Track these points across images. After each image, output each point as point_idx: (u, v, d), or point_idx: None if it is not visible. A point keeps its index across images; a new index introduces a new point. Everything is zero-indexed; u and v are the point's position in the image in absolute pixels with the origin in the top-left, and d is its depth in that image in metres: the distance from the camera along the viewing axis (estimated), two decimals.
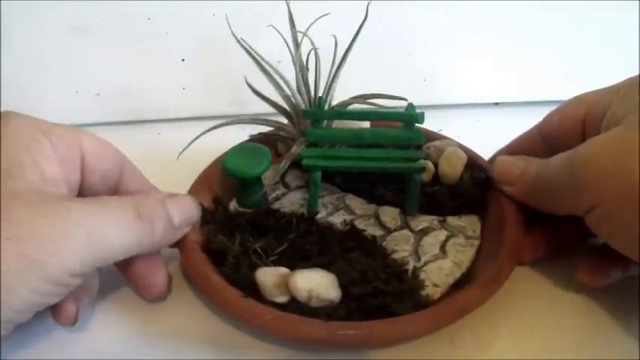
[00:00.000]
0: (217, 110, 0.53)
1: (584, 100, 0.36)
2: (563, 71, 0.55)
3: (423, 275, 0.35)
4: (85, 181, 0.33)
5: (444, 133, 0.44)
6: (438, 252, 0.37)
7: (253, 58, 0.39)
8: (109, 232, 0.30)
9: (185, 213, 0.34)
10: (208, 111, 0.54)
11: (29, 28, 0.50)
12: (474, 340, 0.34)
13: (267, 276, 0.32)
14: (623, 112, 0.32)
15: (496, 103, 0.57)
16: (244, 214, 0.39)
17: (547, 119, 0.39)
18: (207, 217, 0.37)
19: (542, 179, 0.34)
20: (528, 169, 0.35)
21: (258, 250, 0.34)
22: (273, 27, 0.38)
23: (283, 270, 0.33)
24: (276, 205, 0.40)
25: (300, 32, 0.38)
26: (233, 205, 0.40)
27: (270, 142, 0.41)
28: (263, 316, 0.30)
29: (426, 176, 0.40)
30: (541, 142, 0.39)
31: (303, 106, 0.40)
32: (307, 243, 0.36)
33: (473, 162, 0.41)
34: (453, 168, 0.40)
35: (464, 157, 0.40)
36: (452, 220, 0.39)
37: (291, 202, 0.40)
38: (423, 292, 0.34)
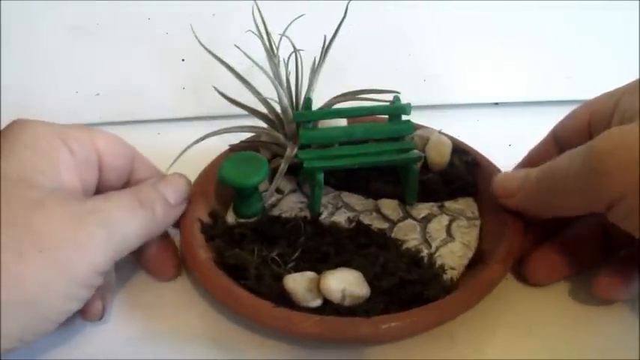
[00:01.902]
0: (217, 110, 0.52)
1: (591, 103, 0.36)
2: (563, 71, 0.55)
3: (439, 260, 0.36)
4: (102, 179, 0.35)
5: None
6: (445, 236, 0.38)
7: (225, 65, 0.38)
8: (124, 225, 0.31)
9: (178, 191, 0.35)
10: (208, 111, 0.54)
11: (29, 28, 0.50)
12: (472, 338, 0.34)
13: (297, 282, 0.32)
14: (634, 107, 0.32)
15: (496, 103, 0.57)
16: (246, 224, 0.38)
17: (559, 123, 0.38)
18: (210, 233, 0.36)
19: (549, 180, 0.33)
20: (529, 176, 0.34)
21: (276, 258, 0.34)
22: (252, 31, 0.38)
23: (310, 274, 0.32)
24: (275, 212, 0.39)
25: (282, 35, 0.38)
26: (230, 217, 0.39)
27: (251, 149, 0.41)
28: (302, 322, 0.30)
29: None
30: (556, 148, 0.38)
31: (289, 109, 0.39)
32: (321, 244, 0.36)
33: (457, 147, 0.42)
34: (441, 155, 0.41)
35: (449, 143, 0.41)
36: (449, 204, 0.40)
37: (289, 206, 0.40)
38: (446, 276, 0.34)
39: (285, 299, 0.32)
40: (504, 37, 0.54)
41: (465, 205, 0.40)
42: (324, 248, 0.35)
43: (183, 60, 0.52)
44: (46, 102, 0.51)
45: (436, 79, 0.55)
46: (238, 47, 0.38)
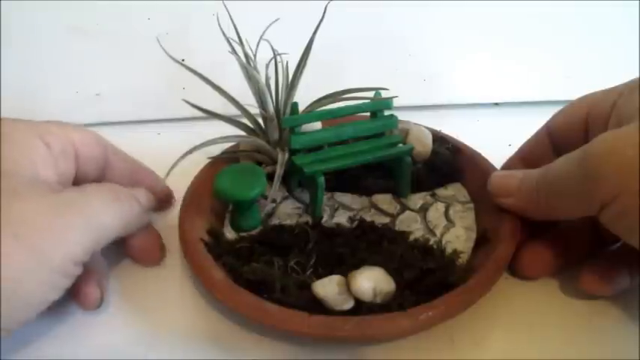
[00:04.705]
0: (217, 111, 0.52)
1: (588, 100, 0.36)
2: (563, 71, 0.55)
3: (448, 246, 0.36)
4: (79, 170, 0.36)
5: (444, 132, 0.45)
6: (446, 223, 0.39)
7: (198, 75, 0.39)
8: (102, 216, 0.32)
9: (147, 193, 0.37)
10: None
11: (29, 28, 0.50)
12: (473, 338, 0.34)
13: (327, 287, 0.32)
14: (631, 109, 0.32)
15: (496, 103, 0.57)
16: (249, 238, 0.37)
17: (553, 118, 0.39)
18: (215, 251, 0.35)
19: (547, 182, 0.33)
20: (528, 178, 0.35)
21: (295, 267, 0.34)
22: (232, 39, 0.37)
23: (337, 277, 0.32)
24: (274, 221, 0.39)
25: (265, 40, 0.38)
26: (228, 232, 0.38)
27: (233, 159, 0.41)
28: (342, 326, 0.30)
29: None
30: (549, 142, 0.39)
31: (275, 116, 0.39)
32: (334, 247, 0.36)
33: (435, 136, 0.43)
34: (424, 145, 0.42)
35: (429, 133, 0.42)
36: (440, 191, 0.41)
37: (287, 214, 0.39)
38: (460, 261, 0.35)
39: (314, 306, 0.31)
40: (504, 37, 0.54)
41: (455, 190, 0.41)
42: (339, 250, 0.35)
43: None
44: (46, 102, 0.51)
45: (436, 79, 0.55)
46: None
